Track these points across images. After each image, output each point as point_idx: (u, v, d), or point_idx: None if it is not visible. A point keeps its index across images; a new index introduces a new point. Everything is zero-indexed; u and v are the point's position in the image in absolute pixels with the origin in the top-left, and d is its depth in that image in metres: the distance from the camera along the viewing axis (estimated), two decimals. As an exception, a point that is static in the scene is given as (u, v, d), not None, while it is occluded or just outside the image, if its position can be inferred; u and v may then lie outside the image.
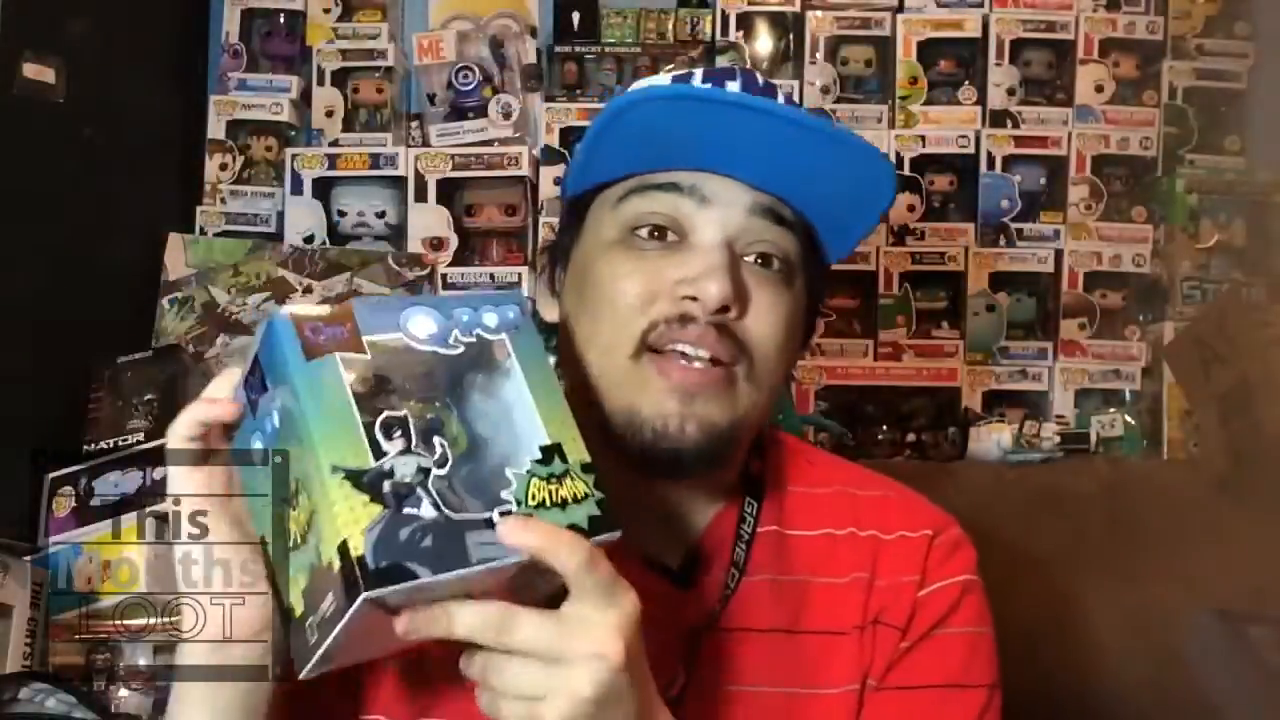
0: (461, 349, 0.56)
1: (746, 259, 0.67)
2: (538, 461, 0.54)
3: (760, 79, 0.71)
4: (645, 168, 0.68)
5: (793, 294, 0.69)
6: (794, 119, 0.65)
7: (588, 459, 0.56)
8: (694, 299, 0.64)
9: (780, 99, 0.70)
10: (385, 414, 0.52)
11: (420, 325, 0.55)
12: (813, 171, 0.65)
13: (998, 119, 1.68)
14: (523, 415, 0.55)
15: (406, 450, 0.52)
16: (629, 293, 0.65)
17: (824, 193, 0.67)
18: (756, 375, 0.66)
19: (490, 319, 0.57)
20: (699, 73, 0.71)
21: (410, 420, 0.52)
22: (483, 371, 0.56)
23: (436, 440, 0.53)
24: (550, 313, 0.75)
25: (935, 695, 0.72)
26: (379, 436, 0.51)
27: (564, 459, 0.55)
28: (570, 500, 0.54)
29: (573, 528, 0.53)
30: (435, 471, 0.52)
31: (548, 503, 0.54)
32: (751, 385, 0.66)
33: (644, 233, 0.67)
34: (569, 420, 0.57)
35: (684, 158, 0.66)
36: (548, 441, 0.55)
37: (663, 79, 0.72)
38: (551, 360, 0.56)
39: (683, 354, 0.64)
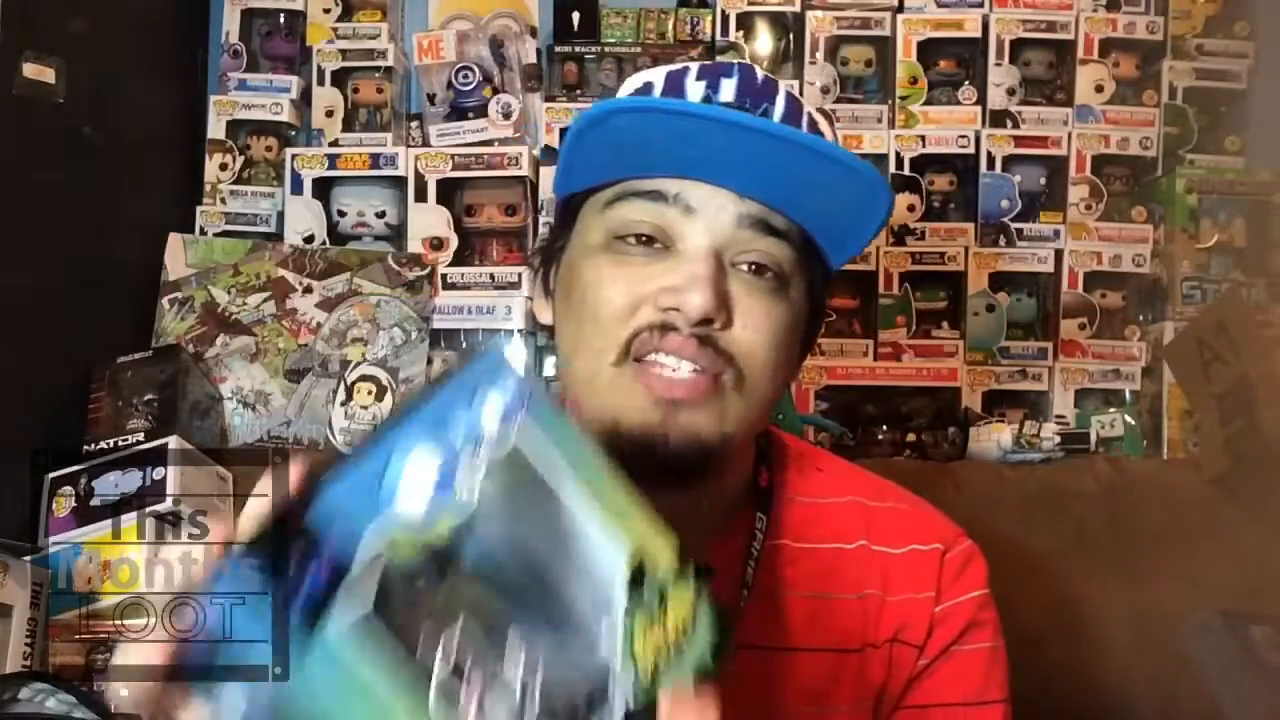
0: (479, 477, 0.41)
1: (738, 267, 0.65)
2: (632, 590, 0.41)
3: (760, 76, 0.69)
4: (629, 174, 0.66)
5: (788, 303, 0.66)
6: (777, 134, 0.62)
7: (678, 542, 0.43)
8: (676, 309, 0.62)
9: (780, 97, 0.68)
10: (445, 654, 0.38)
11: (419, 470, 0.40)
12: (803, 183, 0.63)
13: (998, 119, 1.68)
14: (585, 529, 0.41)
15: (483, 689, 0.39)
16: (614, 300, 0.64)
17: (817, 204, 0.65)
18: (746, 386, 0.64)
19: (492, 406, 0.41)
20: (694, 68, 0.69)
21: (463, 642, 0.39)
22: (517, 497, 0.41)
23: (510, 645, 0.39)
24: (545, 314, 0.74)
25: (953, 714, 0.72)
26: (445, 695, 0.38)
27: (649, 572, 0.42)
28: (686, 629, 0.41)
29: (704, 672, 0.41)
30: (531, 701, 0.39)
31: (666, 652, 0.40)
32: (740, 396, 0.64)
33: (630, 239, 0.65)
34: (629, 496, 0.43)
35: (667, 165, 0.65)
36: (631, 553, 0.41)
37: (658, 74, 0.70)
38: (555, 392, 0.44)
39: (665, 364, 0.63)
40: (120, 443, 1.30)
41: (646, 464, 0.62)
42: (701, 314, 0.61)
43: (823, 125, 0.70)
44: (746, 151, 0.62)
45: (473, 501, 0.40)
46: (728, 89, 0.67)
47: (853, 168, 0.63)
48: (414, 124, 1.69)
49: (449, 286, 1.61)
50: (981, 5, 1.69)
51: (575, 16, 1.69)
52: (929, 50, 1.68)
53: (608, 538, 0.41)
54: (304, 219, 1.63)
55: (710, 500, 0.71)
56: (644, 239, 0.65)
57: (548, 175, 1.62)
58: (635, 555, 0.41)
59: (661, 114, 0.64)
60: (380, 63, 1.67)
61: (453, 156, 1.63)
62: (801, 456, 0.79)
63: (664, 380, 0.62)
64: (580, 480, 0.42)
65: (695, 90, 0.67)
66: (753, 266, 0.65)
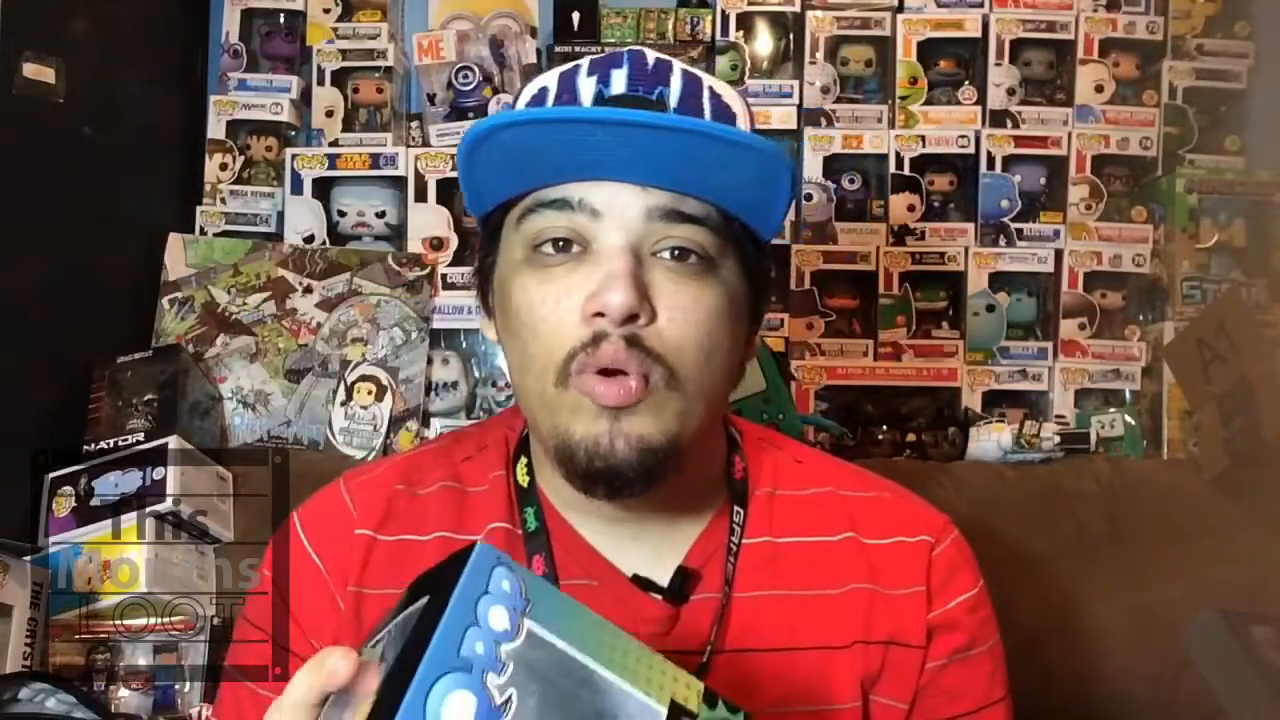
0: (512, 692, 0.42)
1: (659, 255, 0.64)
2: None
3: (651, 60, 0.67)
4: (535, 184, 0.65)
5: (719, 283, 0.65)
6: (662, 125, 0.61)
7: (700, 685, 0.47)
8: (601, 314, 0.61)
9: (675, 78, 0.66)
10: None
11: (458, 712, 0.40)
12: (702, 167, 0.62)
13: (998, 119, 1.68)
14: (619, 688, 0.44)
15: None
16: (545, 318, 0.64)
17: (722, 183, 0.63)
18: (679, 381, 0.63)
19: (498, 616, 0.42)
20: (585, 64, 0.67)
21: None
22: (550, 675, 0.43)
23: None
24: (490, 331, 0.73)
25: None
26: None
27: (691, 714, 0.45)
28: None
29: None
30: None
31: None
32: (675, 392, 0.63)
33: (548, 248, 0.65)
34: (647, 655, 0.46)
35: (567, 171, 0.64)
36: (664, 712, 0.44)
37: (552, 77, 0.69)
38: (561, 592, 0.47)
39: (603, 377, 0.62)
40: (120, 443, 1.30)
41: (602, 473, 0.63)
42: (624, 311, 0.61)
43: (728, 98, 0.68)
44: (639, 146, 0.61)
45: (513, 699, 0.42)
46: (618, 80, 0.66)
47: (746, 145, 0.62)
48: (414, 124, 1.69)
49: (449, 286, 1.61)
50: (981, 5, 1.69)
51: (575, 16, 1.69)
52: (929, 50, 1.68)
53: (642, 692, 0.44)
54: (304, 219, 1.63)
55: (681, 498, 0.70)
56: (561, 244, 0.65)
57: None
58: (665, 699, 0.45)
59: (546, 124, 0.63)
60: (380, 63, 1.67)
61: (453, 156, 1.62)
62: (779, 449, 0.78)
63: (603, 385, 0.62)
64: (598, 645, 0.44)
65: (587, 87, 0.66)
66: (675, 251, 0.64)
